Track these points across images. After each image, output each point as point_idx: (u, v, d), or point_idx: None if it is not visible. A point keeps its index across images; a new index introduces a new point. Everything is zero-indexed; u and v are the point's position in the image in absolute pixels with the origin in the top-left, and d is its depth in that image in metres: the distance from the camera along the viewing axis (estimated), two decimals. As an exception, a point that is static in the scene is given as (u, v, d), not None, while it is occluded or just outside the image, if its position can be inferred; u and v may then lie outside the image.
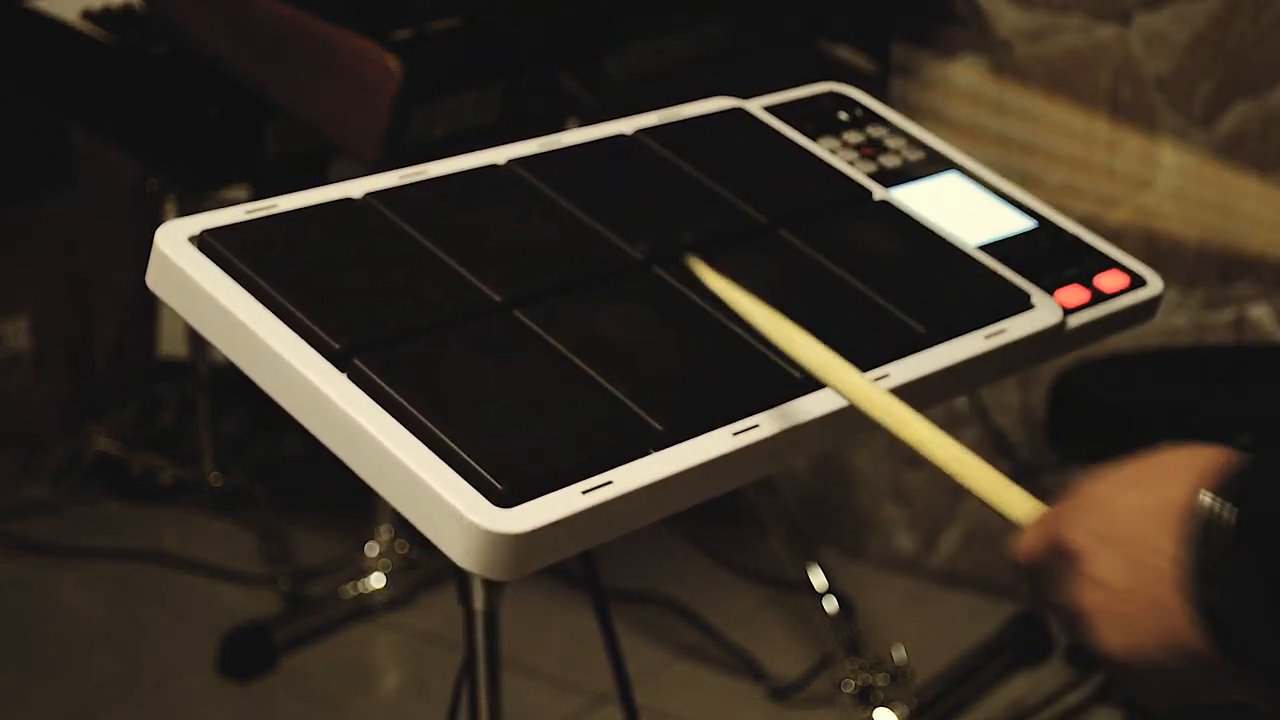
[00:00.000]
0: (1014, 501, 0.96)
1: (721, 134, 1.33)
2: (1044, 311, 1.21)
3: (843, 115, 1.39)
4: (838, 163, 1.32)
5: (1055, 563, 0.90)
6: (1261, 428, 1.98)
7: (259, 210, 1.11)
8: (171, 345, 3.10)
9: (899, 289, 1.18)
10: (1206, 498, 0.83)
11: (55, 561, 2.74)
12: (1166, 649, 0.85)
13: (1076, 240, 1.30)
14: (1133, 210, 2.51)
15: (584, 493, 0.96)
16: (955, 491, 2.71)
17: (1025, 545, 0.94)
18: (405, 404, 0.98)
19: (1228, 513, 0.82)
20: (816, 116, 1.37)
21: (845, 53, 2.59)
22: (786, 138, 1.34)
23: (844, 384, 1.02)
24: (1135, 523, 0.86)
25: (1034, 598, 0.95)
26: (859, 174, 1.32)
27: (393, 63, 2.01)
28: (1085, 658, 2.45)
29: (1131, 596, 0.86)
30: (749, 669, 2.48)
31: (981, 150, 2.53)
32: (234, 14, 2.13)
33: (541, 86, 2.27)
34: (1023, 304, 1.21)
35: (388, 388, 0.99)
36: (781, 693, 2.44)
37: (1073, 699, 2.38)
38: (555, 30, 2.29)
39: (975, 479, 0.97)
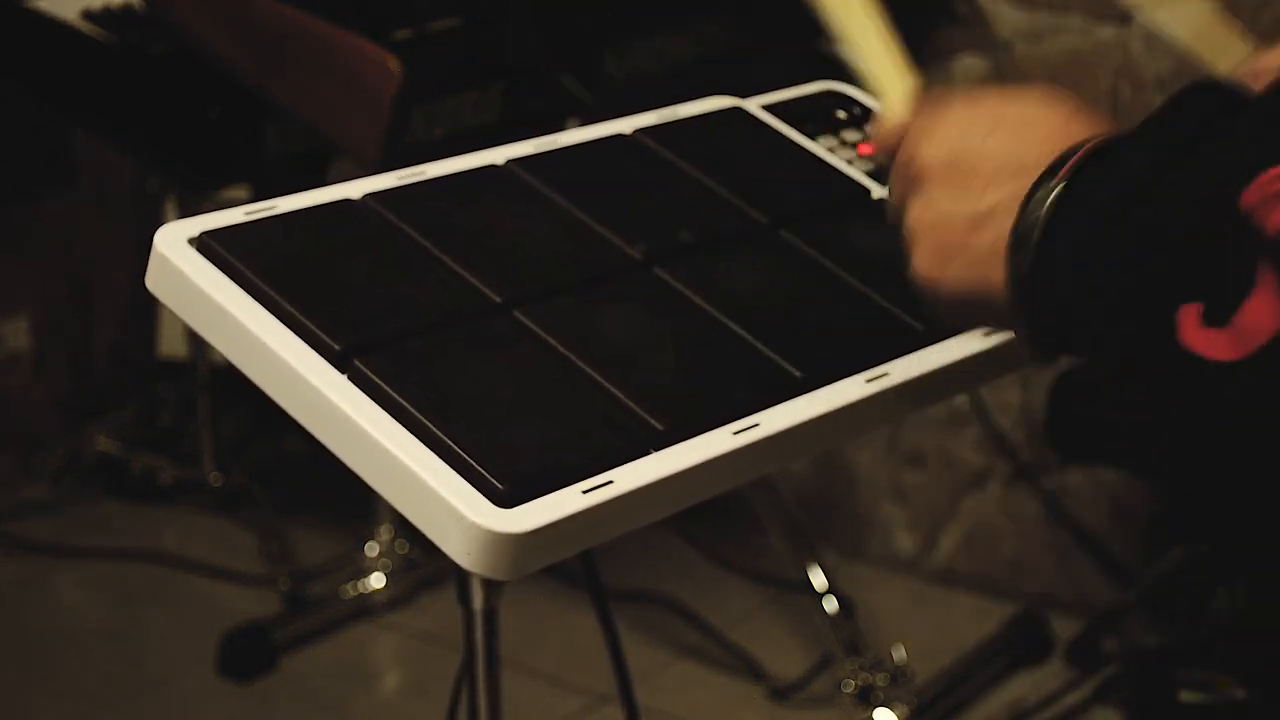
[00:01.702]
0: (898, 88, 1.02)
1: (720, 133, 1.33)
2: (1044, 311, 1.21)
3: (841, 113, 1.39)
4: (836, 161, 1.33)
5: (901, 167, 0.96)
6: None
7: (258, 212, 1.11)
8: (171, 345, 3.10)
9: (898, 287, 1.18)
10: (1053, 179, 0.87)
11: (55, 561, 2.74)
12: (972, 289, 0.91)
13: (1076, 240, 1.30)
14: (1132, 210, 2.51)
15: (584, 492, 0.97)
16: (955, 492, 2.71)
17: (884, 132, 1.00)
18: (405, 404, 0.98)
19: (1048, 204, 0.87)
20: (815, 115, 1.38)
21: (845, 52, 2.59)
22: (785, 137, 1.34)
23: None
24: (994, 166, 0.91)
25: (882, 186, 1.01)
26: (857, 172, 1.32)
27: (393, 63, 2.01)
28: (1086, 658, 2.45)
29: (960, 233, 0.91)
30: (749, 669, 2.48)
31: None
32: (234, 14, 2.13)
33: (541, 86, 2.27)
34: (1022, 304, 1.21)
35: (388, 388, 0.99)
36: (781, 693, 2.44)
37: (1073, 699, 2.38)
38: (555, 30, 2.29)
39: (871, 54, 1.03)
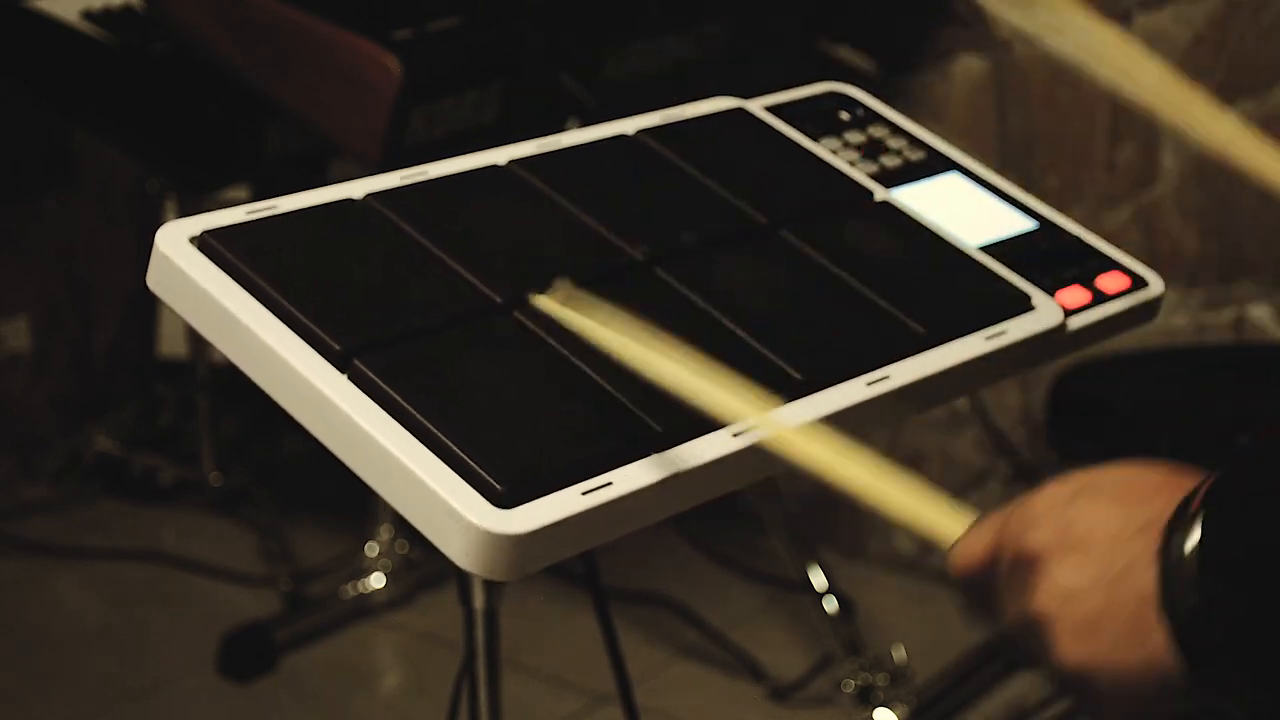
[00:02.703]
0: (944, 521, 0.93)
1: (722, 134, 1.33)
2: (1044, 313, 1.21)
3: (844, 115, 1.38)
4: (839, 163, 1.32)
5: (1008, 570, 0.88)
6: (1261, 428, 1.98)
7: (259, 211, 1.11)
8: (171, 345, 3.10)
9: (899, 289, 1.18)
10: (1184, 527, 0.82)
11: (55, 561, 2.74)
12: (1131, 659, 0.84)
13: (1077, 241, 1.30)
14: (1133, 210, 2.51)
15: (584, 494, 0.96)
16: (955, 492, 2.71)
17: (967, 552, 0.91)
18: (405, 405, 0.98)
19: (1193, 544, 0.81)
20: (817, 116, 1.37)
21: (845, 53, 2.59)
22: (787, 138, 1.34)
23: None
24: (1111, 532, 0.85)
25: (972, 609, 0.93)
26: (860, 174, 1.31)
27: (393, 63, 2.01)
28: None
29: (1100, 601, 0.84)
30: (749, 669, 2.48)
31: (981, 150, 2.53)
32: (234, 14, 2.13)
33: (541, 86, 2.27)
34: (1023, 305, 1.21)
35: (388, 389, 0.99)
36: (781, 693, 2.44)
37: (1073, 699, 2.38)
38: (555, 30, 2.29)
39: (896, 501, 0.94)
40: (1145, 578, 0.82)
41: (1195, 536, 0.81)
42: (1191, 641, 0.81)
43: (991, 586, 0.90)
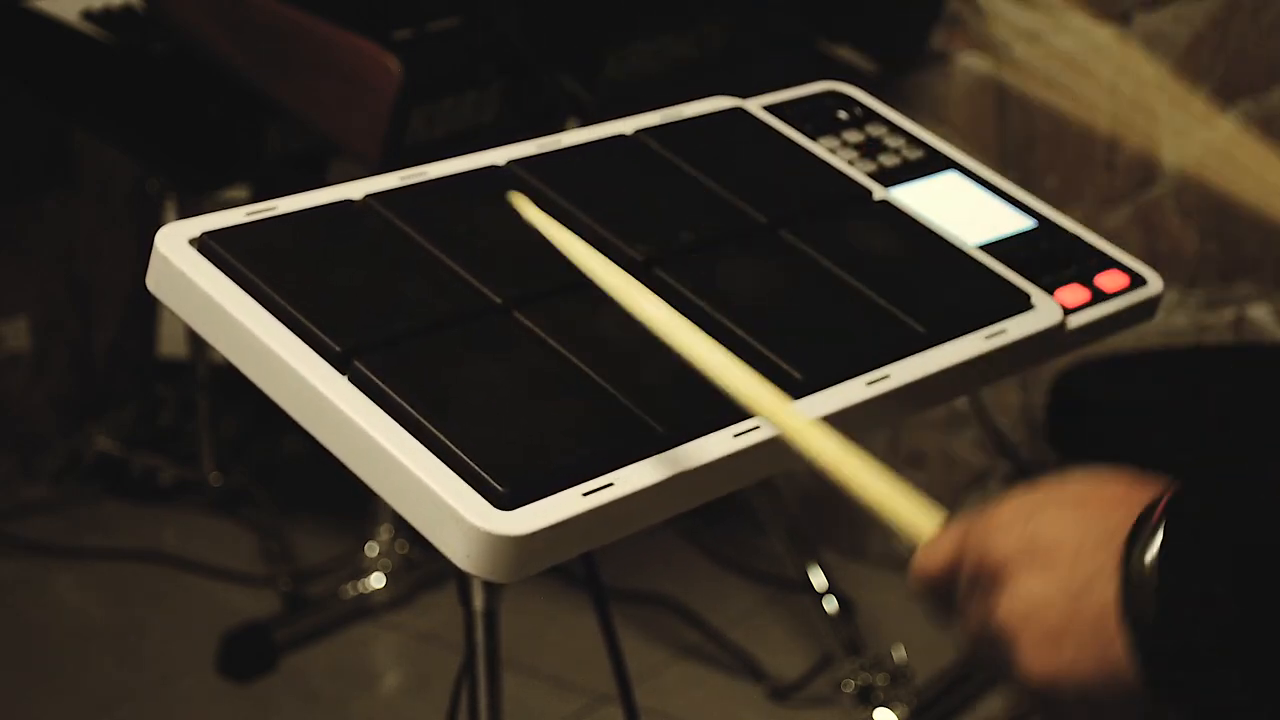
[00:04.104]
0: (917, 519, 0.94)
1: (721, 134, 1.33)
2: (1044, 311, 1.21)
3: (842, 114, 1.38)
4: (837, 162, 1.32)
5: (970, 579, 0.89)
6: (1260, 427, 1.98)
7: (259, 212, 1.11)
8: (171, 345, 3.10)
9: (899, 289, 1.18)
10: (1144, 538, 0.82)
11: (55, 561, 2.74)
12: (1094, 670, 0.84)
13: (1076, 239, 1.30)
14: (1133, 210, 2.51)
15: (585, 495, 0.96)
16: (955, 492, 2.71)
17: (931, 559, 0.91)
18: (405, 406, 0.98)
19: (1153, 556, 0.82)
20: (816, 116, 1.37)
21: (845, 53, 2.59)
22: (786, 137, 1.34)
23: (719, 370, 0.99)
24: (1074, 543, 0.85)
25: (936, 616, 0.94)
26: (859, 173, 1.31)
27: (393, 63, 2.01)
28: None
29: (1064, 613, 0.84)
30: (749, 669, 2.48)
31: (981, 150, 2.53)
32: (234, 14, 2.13)
33: (541, 86, 2.27)
34: (1023, 304, 1.21)
35: (388, 390, 0.99)
36: (781, 693, 2.43)
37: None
38: (555, 30, 2.29)
39: (871, 491, 0.95)
40: (1107, 589, 0.83)
41: (1155, 548, 0.82)
42: (1151, 653, 0.82)
43: (953, 595, 0.90)
